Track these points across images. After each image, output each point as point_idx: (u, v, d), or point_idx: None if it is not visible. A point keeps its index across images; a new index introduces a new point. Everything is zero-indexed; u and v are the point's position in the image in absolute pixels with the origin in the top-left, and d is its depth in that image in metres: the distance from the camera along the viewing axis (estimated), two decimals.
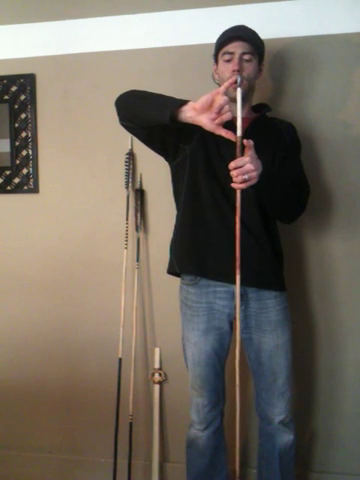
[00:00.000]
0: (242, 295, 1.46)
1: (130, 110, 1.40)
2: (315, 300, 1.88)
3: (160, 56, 1.90)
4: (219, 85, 1.51)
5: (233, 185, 1.28)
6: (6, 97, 2.01)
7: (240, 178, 1.26)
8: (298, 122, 1.70)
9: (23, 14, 1.98)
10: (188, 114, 1.24)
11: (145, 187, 1.95)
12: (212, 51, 1.56)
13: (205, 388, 1.55)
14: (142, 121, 1.38)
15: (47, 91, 1.99)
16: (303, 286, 1.88)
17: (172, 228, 1.61)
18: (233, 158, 1.26)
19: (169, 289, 1.79)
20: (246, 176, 1.26)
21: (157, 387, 1.95)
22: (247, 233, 1.46)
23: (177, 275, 1.61)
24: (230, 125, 1.23)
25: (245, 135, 1.27)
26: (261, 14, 1.80)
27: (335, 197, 1.83)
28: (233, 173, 1.26)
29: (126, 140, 1.90)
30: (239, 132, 1.22)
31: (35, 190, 2.02)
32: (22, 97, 2.01)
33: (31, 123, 2.00)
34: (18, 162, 2.03)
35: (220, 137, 1.23)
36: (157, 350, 1.97)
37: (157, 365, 1.96)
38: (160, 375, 1.95)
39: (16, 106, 2.01)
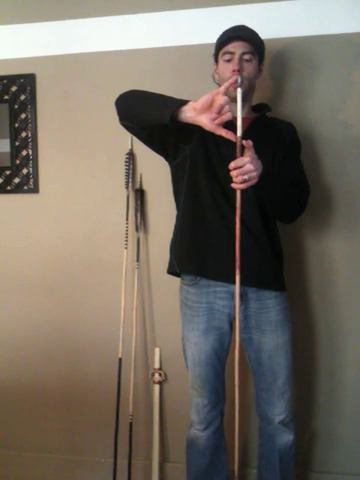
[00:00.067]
0: (242, 295, 1.46)
1: (130, 110, 1.40)
2: (315, 300, 1.88)
3: (160, 56, 1.90)
4: (219, 85, 1.51)
5: (233, 185, 1.28)
6: (6, 97, 2.01)
7: (240, 178, 1.26)
8: (298, 122, 1.70)
9: (23, 14, 1.98)
10: (188, 114, 1.24)
11: (145, 187, 1.95)
12: (212, 51, 1.56)
13: (205, 388, 1.55)
14: (142, 121, 1.38)
15: (47, 91, 1.99)
16: (303, 286, 1.88)
17: (172, 228, 1.61)
18: (233, 158, 1.26)
19: (169, 289, 1.79)
20: (246, 176, 1.26)
21: (157, 387, 1.95)
22: (247, 233, 1.46)
23: (177, 275, 1.61)
24: (230, 125, 1.23)
25: (245, 135, 1.27)
26: (261, 14, 1.80)
27: (335, 197, 1.83)
28: (233, 173, 1.26)
29: (126, 140, 1.90)
30: (239, 132, 1.22)
31: (35, 190, 2.02)
32: (22, 97, 2.01)
33: (31, 123, 2.00)
34: (18, 162, 2.03)
35: (220, 137, 1.23)
36: (157, 350, 1.97)
37: (157, 365, 1.96)
38: (160, 375, 1.95)
39: (16, 106, 2.01)
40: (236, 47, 1.46)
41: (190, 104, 1.24)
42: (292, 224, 1.63)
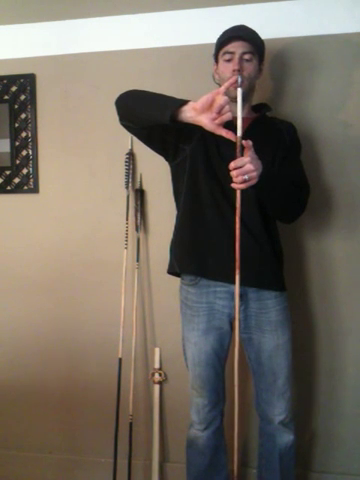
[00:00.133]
0: (242, 295, 1.46)
1: (130, 110, 1.40)
2: (315, 300, 1.88)
3: (160, 56, 1.90)
4: (219, 85, 1.51)
5: (233, 185, 1.28)
6: (6, 97, 2.01)
7: (240, 178, 1.26)
8: (298, 122, 1.70)
9: (23, 14, 1.98)
10: (188, 114, 1.24)
11: (145, 187, 1.95)
12: (212, 51, 1.56)
13: (205, 388, 1.55)
14: (142, 121, 1.38)
15: (47, 91, 1.99)
16: (303, 286, 1.88)
17: (172, 228, 1.61)
18: (233, 158, 1.26)
19: (169, 289, 1.79)
20: (246, 176, 1.26)
21: (157, 387, 1.95)
22: (247, 233, 1.46)
23: (177, 275, 1.61)
24: (230, 125, 1.23)
25: (245, 135, 1.27)
26: (261, 14, 1.80)
27: (335, 197, 1.83)
28: (233, 173, 1.26)
29: (126, 140, 1.90)
30: (239, 132, 1.22)
31: (35, 190, 2.02)
32: (22, 97, 2.01)
33: (31, 123, 2.00)
34: (18, 162, 2.03)
35: (220, 137, 1.23)
36: (157, 350, 1.97)
37: (157, 365, 1.96)
38: (160, 375, 1.95)
39: (16, 106, 2.01)
40: (236, 47, 1.46)
41: (190, 104, 1.24)
42: (292, 224, 1.63)
